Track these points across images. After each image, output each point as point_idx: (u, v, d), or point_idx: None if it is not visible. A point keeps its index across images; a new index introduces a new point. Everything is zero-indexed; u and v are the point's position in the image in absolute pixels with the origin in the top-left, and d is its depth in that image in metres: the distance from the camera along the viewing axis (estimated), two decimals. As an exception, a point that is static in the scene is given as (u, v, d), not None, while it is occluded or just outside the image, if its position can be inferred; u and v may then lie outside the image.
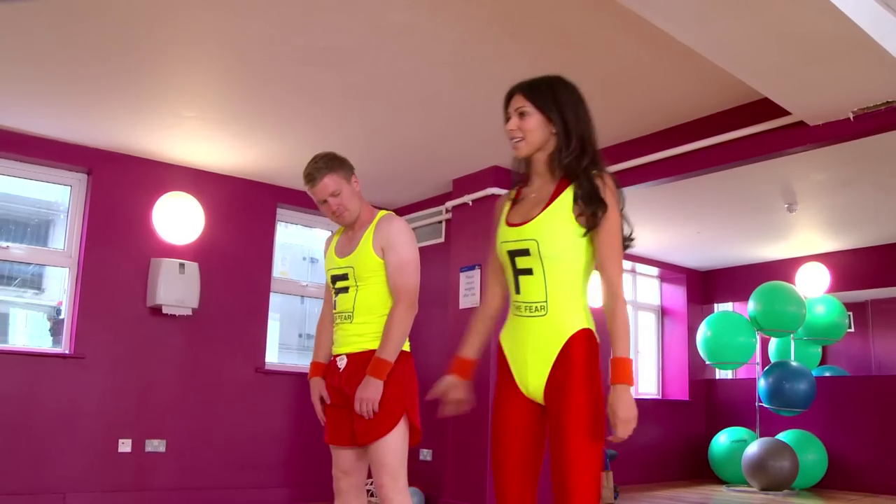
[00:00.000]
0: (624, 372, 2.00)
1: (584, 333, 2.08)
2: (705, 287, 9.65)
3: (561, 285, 2.09)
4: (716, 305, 9.58)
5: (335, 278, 2.92)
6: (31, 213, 6.50)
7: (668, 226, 7.58)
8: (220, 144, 5.58)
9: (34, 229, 6.47)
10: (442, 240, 6.47)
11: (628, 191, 5.49)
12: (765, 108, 4.33)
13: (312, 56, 4.11)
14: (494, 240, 2.25)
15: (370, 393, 2.68)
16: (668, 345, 9.53)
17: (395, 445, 2.72)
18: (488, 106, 4.67)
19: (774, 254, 8.62)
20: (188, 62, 4.27)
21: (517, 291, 2.16)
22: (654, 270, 9.43)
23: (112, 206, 5.73)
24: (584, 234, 2.07)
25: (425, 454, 6.19)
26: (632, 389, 2.01)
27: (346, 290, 2.87)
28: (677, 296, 9.56)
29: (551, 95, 2.17)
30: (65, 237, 5.75)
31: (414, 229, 6.71)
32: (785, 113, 4.22)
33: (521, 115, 2.18)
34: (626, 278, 9.21)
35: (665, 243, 8.32)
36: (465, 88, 4.42)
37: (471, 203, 5.96)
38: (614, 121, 4.91)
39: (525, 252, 2.12)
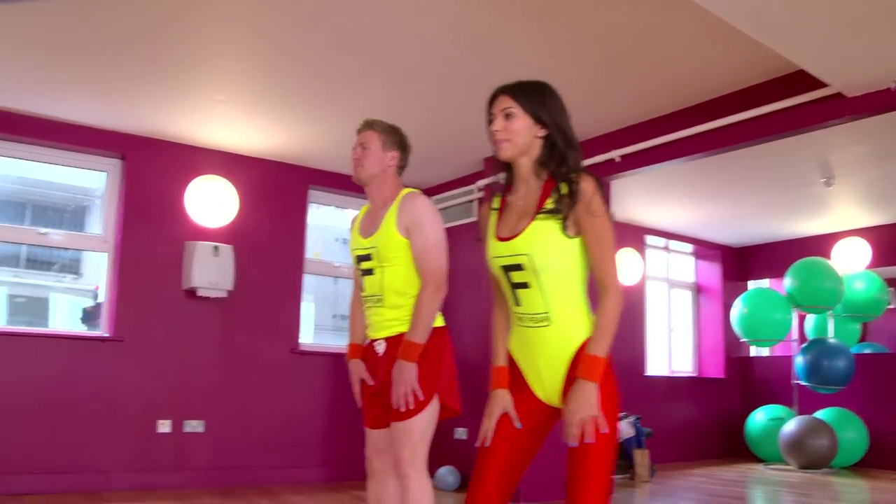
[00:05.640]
0: (591, 370, 1.99)
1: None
2: (740, 263, 9.54)
3: (560, 294, 2.08)
4: (751, 282, 9.47)
5: (360, 258, 2.91)
6: (68, 200, 6.60)
7: (701, 202, 7.50)
8: (252, 127, 5.61)
9: (71, 215, 6.58)
10: (474, 218, 6.45)
11: (660, 168, 5.45)
12: (801, 81, 4.24)
13: (341, 37, 4.10)
14: (486, 253, 2.22)
15: (406, 377, 2.67)
16: (703, 322, 9.45)
17: (420, 423, 2.71)
18: (518, 83, 4.63)
19: (811, 229, 8.49)
20: (218, 46, 4.29)
21: (517, 304, 2.14)
22: (689, 247, 9.35)
23: (146, 191, 5.80)
24: (571, 237, 2.06)
25: (460, 433, 6.21)
26: (594, 387, 1.99)
27: (371, 271, 2.86)
28: (712, 272, 9.46)
29: (540, 98, 2.15)
30: (102, 222, 5.83)
31: (445, 208, 6.72)
32: (822, 85, 4.13)
33: (508, 116, 2.14)
34: (661, 255, 9.14)
35: (699, 219, 8.24)
36: (493, 66, 4.38)
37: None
38: (644, 96, 4.85)
39: (518, 267, 2.10)
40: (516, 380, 2.19)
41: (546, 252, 2.06)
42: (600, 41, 4.07)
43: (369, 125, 2.99)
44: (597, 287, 2.08)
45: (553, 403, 2.13)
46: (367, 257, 2.87)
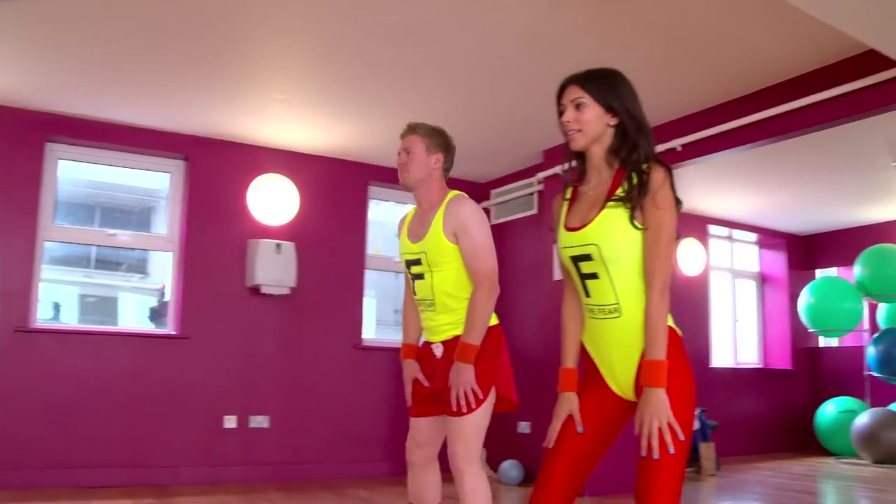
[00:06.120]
0: (653, 375, 1.94)
1: None
2: (807, 252, 9.30)
3: (630, 284, 2.04)
4: (818, 271, 9.23)
5: (409, 263, 2.94)
6: (134, 201, 6.78)
7: (765, 190, 7.33)
8: (311, 125, 5.67)
9: (138, 216, 6.75)
10: (535, 211, 6.41)
11: (722, 156, 5.32)
12: (870, 61, 4.10)
13: (398, 34, 4.11)
14: (557, 244, 2.20)
15: (464, 378, 2.69)
16: (768, 312, 9.24)
17: (475, 420, 2.73)
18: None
19: (882, 215, 8.22)
20: (274, 45, 4.34)
21: (587, 295, 2.12)
22: (752, 236, 9.15)
23: (209, 191, 5.91)
24: (640, 228, 2.01)
25: (523, 427, 6.19)
26: (662, 392, 1.93)
27: (421, 276, 2.88)
28: (777, 262, 9.24)
29: (611, 87, 2.12)
30: (167, 222, 5.95)
31: (505, 202, 6.70)
32: (893, 64, 3.98)
33: (578, 106, 2.13)
34: (724, 245, 8.97)
35: (763, 208, 8.06)
36: (550, 58, 4.35)
37: (565, 172, 5.89)
38: (704, 83, 4.76)
39: (587, 257, 2.07)
40: (591, 374, 2.16)
41: (614, 242, 2.03)
42: (657, 29, 4.00)
43: (412, 129, 3.01)
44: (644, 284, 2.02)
45: (628, 397, 2.10)
46: (416, 262, 2.90)
